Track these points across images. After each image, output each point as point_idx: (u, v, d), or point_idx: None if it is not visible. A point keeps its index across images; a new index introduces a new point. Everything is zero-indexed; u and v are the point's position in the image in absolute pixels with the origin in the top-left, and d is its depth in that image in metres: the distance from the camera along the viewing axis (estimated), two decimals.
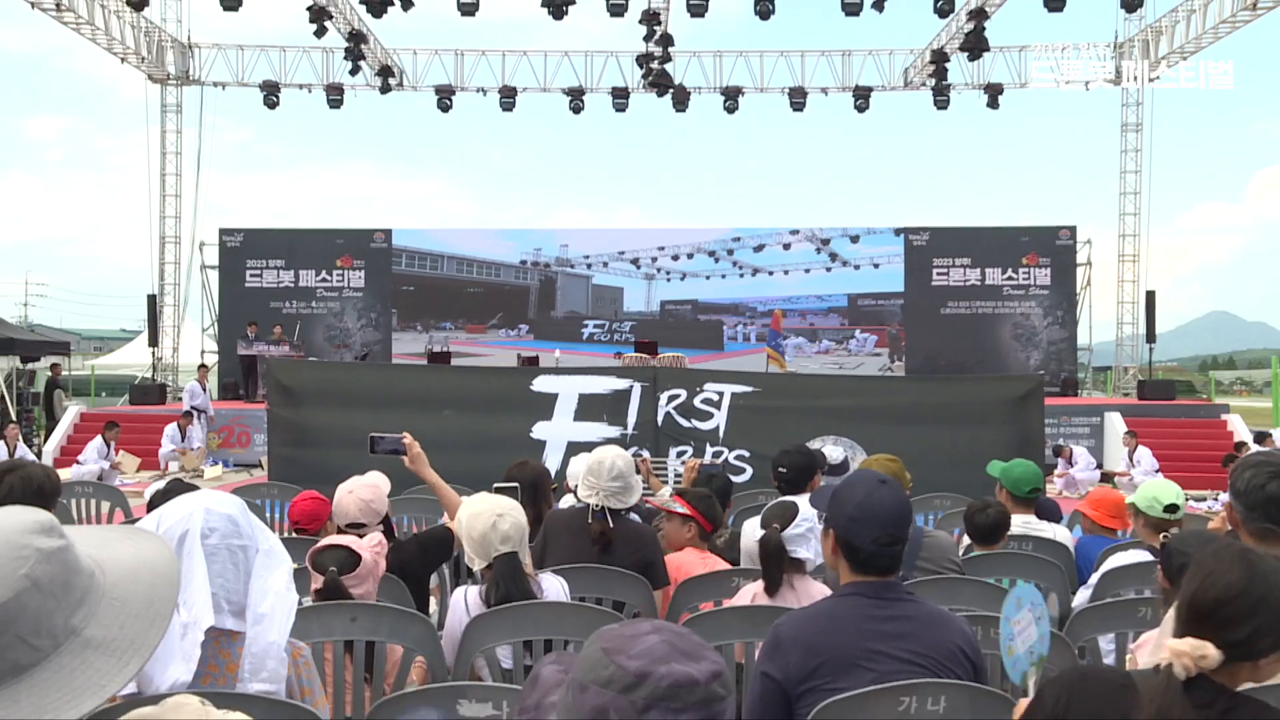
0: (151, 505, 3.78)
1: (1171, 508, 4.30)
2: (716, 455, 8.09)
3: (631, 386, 8.27)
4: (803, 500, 3.64)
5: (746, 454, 8.06)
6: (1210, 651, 1.77)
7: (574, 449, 7.64)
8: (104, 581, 1.28)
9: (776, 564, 3.46)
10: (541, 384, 8.32)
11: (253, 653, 2.18)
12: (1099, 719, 1.82)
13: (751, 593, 3.57)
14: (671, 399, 8.33)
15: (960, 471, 7.04)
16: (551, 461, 7.72)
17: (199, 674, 2.12)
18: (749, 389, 8.56)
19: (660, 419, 8.35)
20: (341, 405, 8.21)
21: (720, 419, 8.24)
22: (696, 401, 8.32)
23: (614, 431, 8.06)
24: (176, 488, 3.62)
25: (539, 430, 8.04)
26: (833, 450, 7.43)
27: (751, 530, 3.97)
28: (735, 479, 7.51)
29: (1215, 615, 1.81)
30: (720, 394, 8.32)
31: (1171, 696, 1.75)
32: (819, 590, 3.49)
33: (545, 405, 8.18)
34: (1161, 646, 1.78)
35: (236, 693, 2.13)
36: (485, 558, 3.20)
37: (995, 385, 9.56)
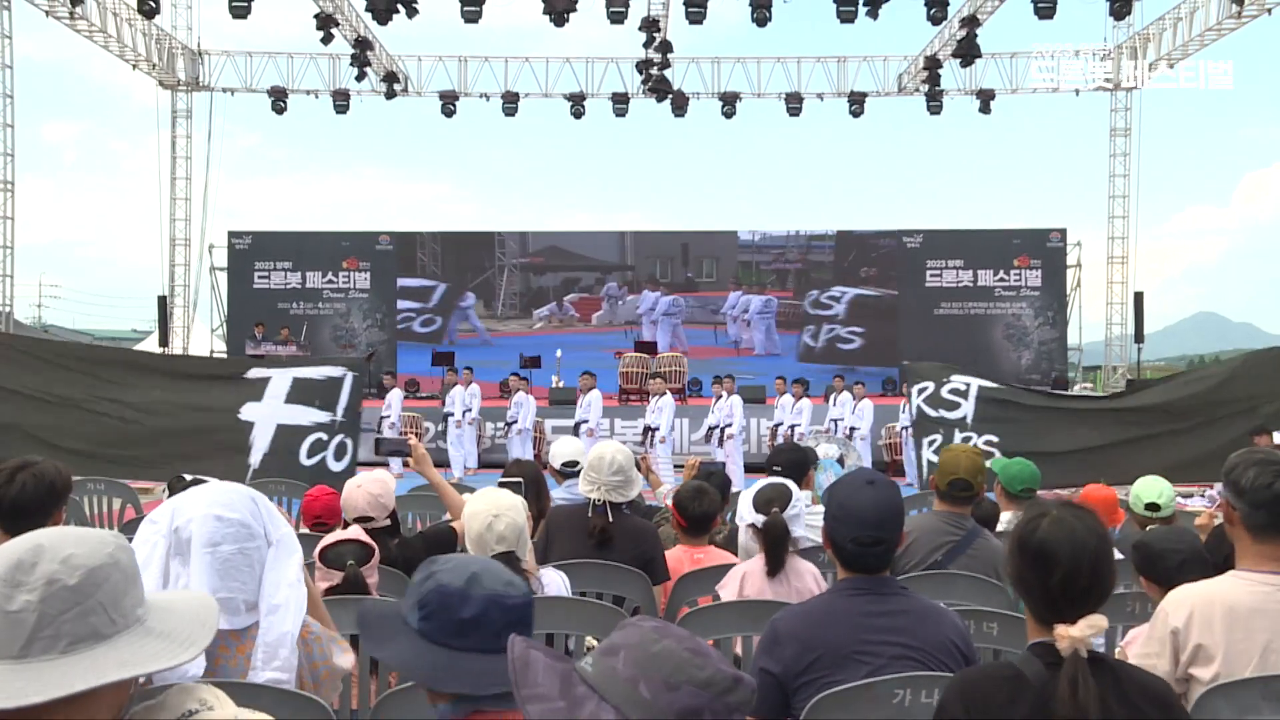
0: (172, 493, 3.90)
1: (1152, 506, 4.46)
2: (965, 440, 8.07)
3: (345, 375, 8.21)
4: (790, 483, 3.82)
5: (995, 439, 8.04)
6: (1102, 622, 1.82)
7: (283, 431, 7.68)
8: (152, 596, 1.47)
9: (782, 546, 3.52)
10: (256, 373, 8.20)
11: (266, 642, 2.21)
12: (1008, 717, 1.83)
13: (742, 572, 3.64)
14: (920, 391, 8.50)
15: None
16: (259, 443, 7.62)
17: (211, 655, 2.18)
18: (996, 384, 8.76)
19: (914, 411, 8.60)
20: (47, 382, 7.89)
21: (968, 409, 8.33)
22: (944, 392, 8.42)
23: (324, 417, 7.95)
24: (195, 485, 3.85)
25: (247, 411, 7.86)
26: (827, 448, 7.74)
27: (742, 511, 3.93)
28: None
29: (1083, 590, 1.86)
30: (967, 385, 8.43)
31: (1088, 687, 1.75)
32: (806, 568, 3.62)
33: (257, 388, 8.03)
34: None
35: (246, 683, 2.16)
36: (483, 555, 3.06)
37: (1239, 369, 8.86)
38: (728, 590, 3.68)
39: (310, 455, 7.78)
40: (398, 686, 2.73)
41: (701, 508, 4.21)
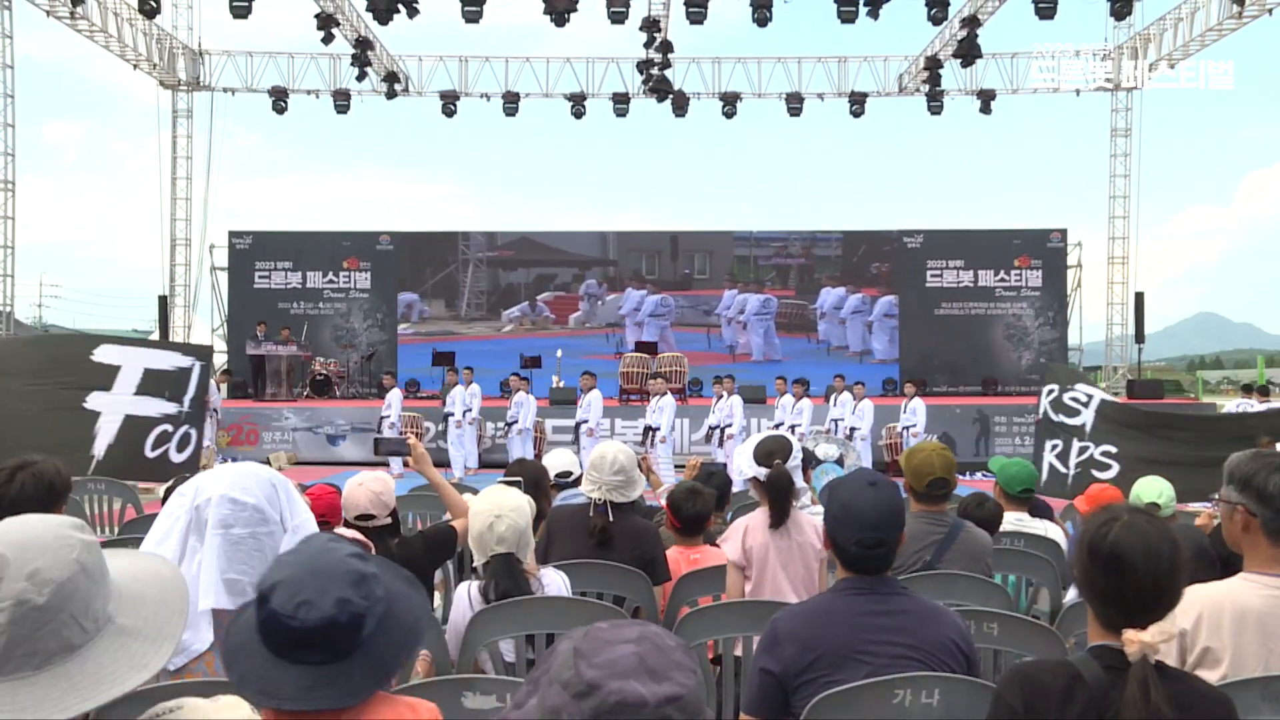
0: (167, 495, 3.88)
1: (1152, 506, 4.39)
2: (1083, 450, 8.13)
3: (193, 365, 8.08)
4: (790, 435, 3.90)
5: (1114, 450, 8.02)
6: (1173, 628, 1.83)
7: (130, 423, 7.57)
8: (119, 580, 1.43)
9: (786, 498, 3.58)
10: (103, 354, 7.92)
11: None
12: (1062, 715, 1.83)
13: (744, 525, 3.67)
14: (1049, 393, 8.53)
15: None
16: (104, 434, 7.50)
17: (217, 632, 2.20)
18: (1114, 398, 8.73)
19: (1039, 413, 8.61)
20: None
21: (1087, 416, 8.29)
22: (1066, 398, 8.42)
23: (171, 408, 7.85)
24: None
25: (93, 401, 7.65)
26: (826, 448, 7.72)
27: (741, 465, 3.95)
28: (1100, 475, 7.54)
29: (1155, 596, 1.86)
30: (1090, 395, 8.43)
31: (1158, 691, 1.75)
32: (807, 520, 3.66)
33: (106, 376, 7.79)
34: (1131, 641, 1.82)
35: None
36: (483, 555, 3.27)
37: None
38: (730, 544, 3.72)
39: (155, 448, 7.73)
40: (397, 687, 2.72)
41: (695, 508, 4.22)
